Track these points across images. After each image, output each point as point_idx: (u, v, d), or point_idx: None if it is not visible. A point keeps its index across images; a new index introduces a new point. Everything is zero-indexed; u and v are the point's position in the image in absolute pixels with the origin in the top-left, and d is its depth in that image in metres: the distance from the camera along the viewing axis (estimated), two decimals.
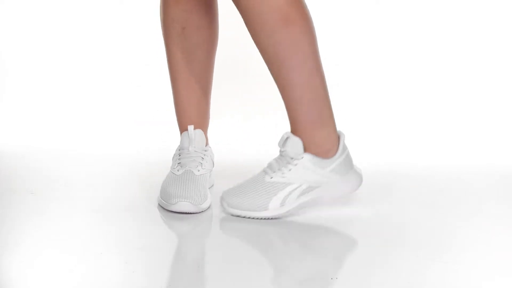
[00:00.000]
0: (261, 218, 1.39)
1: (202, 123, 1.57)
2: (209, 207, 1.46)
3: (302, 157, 1.39)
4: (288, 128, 1.43)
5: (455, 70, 2.20)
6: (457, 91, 2.19)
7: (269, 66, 1.38)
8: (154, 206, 1.49)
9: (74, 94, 2.25)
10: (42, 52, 2.27)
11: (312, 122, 1.39)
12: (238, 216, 1.40)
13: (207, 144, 1.58)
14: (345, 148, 1.43)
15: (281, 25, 1.32)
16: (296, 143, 1.39)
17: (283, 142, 1.41)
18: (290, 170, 1.39)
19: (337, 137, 1.42)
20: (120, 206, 1.48)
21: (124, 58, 2.28)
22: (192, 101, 1.57)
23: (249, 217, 1.40)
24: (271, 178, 1.40)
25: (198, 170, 1.49)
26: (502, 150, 2.04)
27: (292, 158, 1.40)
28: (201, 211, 1.43)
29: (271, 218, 1.39)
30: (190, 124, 1.54)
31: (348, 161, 1.43)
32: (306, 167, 1.39)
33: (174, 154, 1.56)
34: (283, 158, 1.41)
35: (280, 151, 1.42)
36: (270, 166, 1.42)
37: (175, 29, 1.53)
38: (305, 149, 1.40)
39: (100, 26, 2.28)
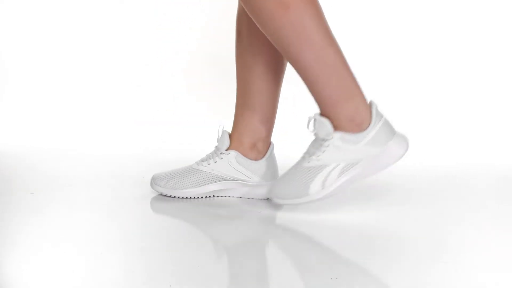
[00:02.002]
0: (305, 203, 1.39)
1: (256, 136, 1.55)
2: (190, 198, 1.53)
3: (332, 137, 1.37)
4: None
5: (455, 71, 2.21)
6: (457, 91, 2.19)
7: (282, 53, 1.37)
8: (154, 206, 1.50)
9: (74, 94, 2.25)
10: (42, 53, 2.28)
11: (336, 97, 1.36)
12: (285, 204, 1.41)
13: (262, 157, 1.55)
14: (379, 116, 1.38)
15: (279, 10, 1.31)
16: (323, 123, 1.37)
17: (312, 124, 1.40)
18: (323, 152, 1.37)
19: (368, 107, 1.38)
20: (120, 206, 1.48)
21: (124, 58, 2.28)
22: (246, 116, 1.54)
23: (295, 204, 1.39)
24: (309, 163, 1.39)
25: (197, 164, 1.54)
26: (502, 150, 2.04)
27: (323, 140, 1.38)
28: (169, 194, 1.53)
29: (317, 200, 1.38)
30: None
31: (386, 129, 1.38)
32: (337, 147, 1.36)
33: None
34: (317, 141, 1.40)
35: (314, 134, 1.41)
36: (308, 151, 1.41)
37: (236, 34, 1.53)
38: (336, 127, 1.37)
39: (100, 26, 2.28)
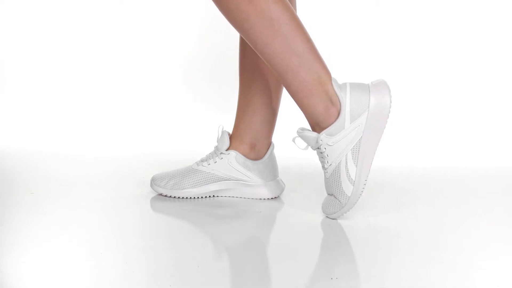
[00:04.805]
0: (355, 203, 1.38)
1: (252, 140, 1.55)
2: (191, 198, 1.54)
3: (321, 140, 1.36)
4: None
5: (455, 72, 2.21)
6: (457, 92, 2.19)
7: (251, 45, 1.36)
8: (154, 206, 1.50)
9: (74, 95, 2.25)
10: (42, 53, 2.27)
11: (309, 87, 1.34)
12: (342, 216, 1.41)
13: (262, 157, 1.56)
14: (343, 90, 1.35)
15: (244, 2, 1.30)
16: (305, 137, 1.38)
17: (300, 143, 1.40)
18: (327, 155, 1.37)
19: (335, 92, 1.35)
20: (120, 206, 1.48)
21: (123, 59, 2.28)
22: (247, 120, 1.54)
23: (347, 211, 1.38)
24: (327, 172, 1.39)
25: (197, 165, 1.55)
26: (501, 150, 2.04)
27: (318, 148, 1.38)
28: (169, 195, 1.54)
29: (361, 195, 1.37)
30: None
31: (358, 93, 1.35)
32: (330, 144, 1.36)
33: None
34: (316, 152, 1.39)
35: (308, 148, 1.41)
36: (321, 165, 1.40)
37: (240, 38, 1.53)
38: (316, 127, 1.37)
39: (100, 26, 2.28)
